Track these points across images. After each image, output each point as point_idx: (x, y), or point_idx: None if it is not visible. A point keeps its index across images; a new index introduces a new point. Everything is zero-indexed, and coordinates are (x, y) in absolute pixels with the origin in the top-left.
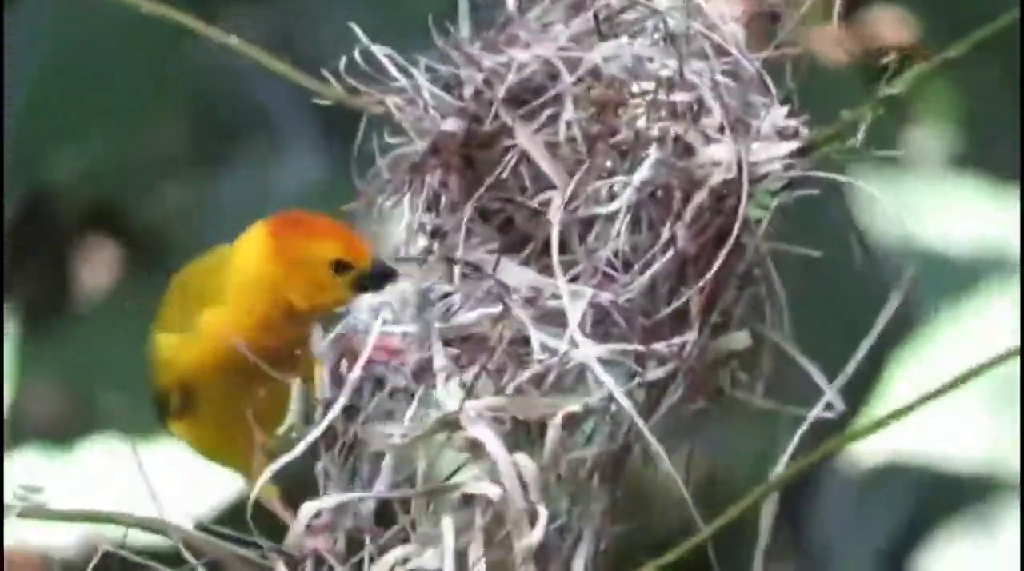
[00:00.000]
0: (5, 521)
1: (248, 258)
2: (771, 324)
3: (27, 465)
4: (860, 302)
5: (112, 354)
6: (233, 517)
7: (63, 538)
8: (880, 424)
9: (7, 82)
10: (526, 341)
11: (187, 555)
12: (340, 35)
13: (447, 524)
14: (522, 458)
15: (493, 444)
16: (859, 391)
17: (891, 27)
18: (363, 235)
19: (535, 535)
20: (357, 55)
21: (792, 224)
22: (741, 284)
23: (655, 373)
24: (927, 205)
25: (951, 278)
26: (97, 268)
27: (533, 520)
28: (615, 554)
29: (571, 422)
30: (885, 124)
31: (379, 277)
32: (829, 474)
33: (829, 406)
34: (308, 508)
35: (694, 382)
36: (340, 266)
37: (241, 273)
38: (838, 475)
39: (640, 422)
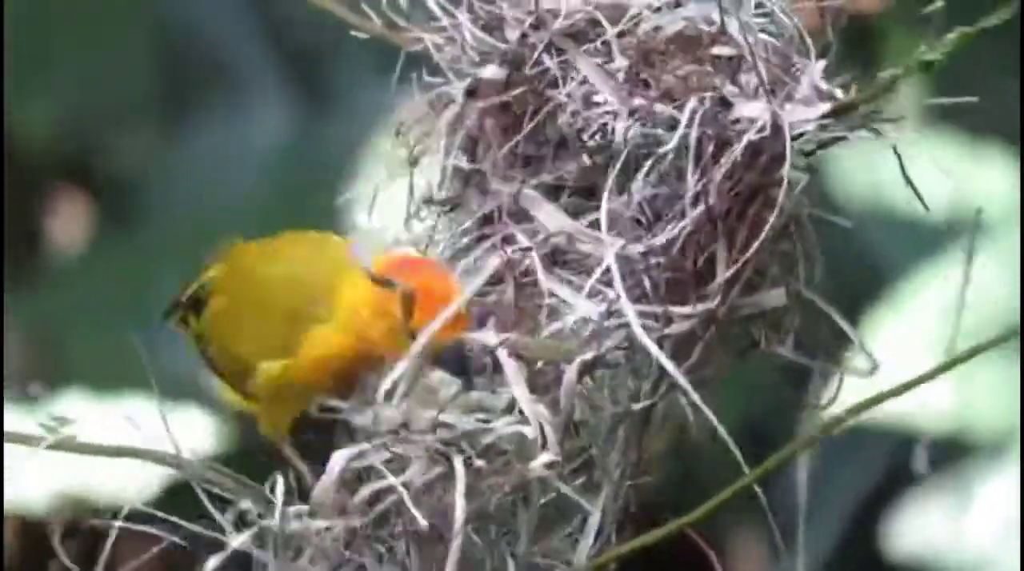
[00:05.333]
0: (38, 451)
1: (360, 294)
2: (803, 281)
3: None
4: (834, 262)
5: (83, 307)
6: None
7: (33, 499)
8: (909, 386)
9: None
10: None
11: (200, 494)
12: None
13: (459, 464)
14: (537, 404)
15: (516, 381)
16: (833, 351)
17: None
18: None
19: (542, 459)
20: None
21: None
22: (776, 243)
23: (677, 329)
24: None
25: (923, 238)
26: (67, 220)
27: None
28: (641, 515)
29: (588, 370)
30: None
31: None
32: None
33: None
34: (340, 456)
35: (723, 339)
36: None
37: (348, 303)
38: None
39: (674, 371)
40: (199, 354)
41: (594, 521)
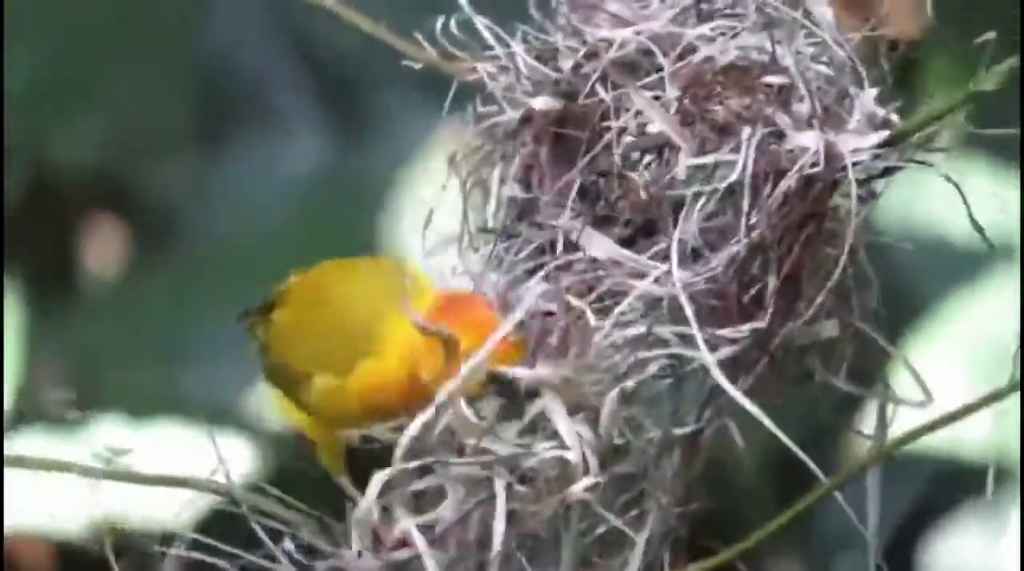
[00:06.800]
0: (91, 482)
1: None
2: (858, 312)
3: (35, 447)
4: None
5: (120, 334)
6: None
7: (67, 524)
8: (954, 416)
9: (8, 60)
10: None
11: (254, 524)
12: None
13: (500, 488)
14: (581, 427)
15: (555, 409)
16: (864, 378)
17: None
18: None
19: (581, 485)
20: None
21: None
22: (830, 273)
23: (724, 354)
24: (930, 188)
25: (956, 264)
26: (103, 247)
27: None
28: (690, 538)
29: (631, 397)
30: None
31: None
32: (833, 464)
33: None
34: (378, 477)
35: (776, 369)
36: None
37: (402, 337)
38: (843, 464)
39: (736, 394)
40: (261, 364)
41: (639, 549)
